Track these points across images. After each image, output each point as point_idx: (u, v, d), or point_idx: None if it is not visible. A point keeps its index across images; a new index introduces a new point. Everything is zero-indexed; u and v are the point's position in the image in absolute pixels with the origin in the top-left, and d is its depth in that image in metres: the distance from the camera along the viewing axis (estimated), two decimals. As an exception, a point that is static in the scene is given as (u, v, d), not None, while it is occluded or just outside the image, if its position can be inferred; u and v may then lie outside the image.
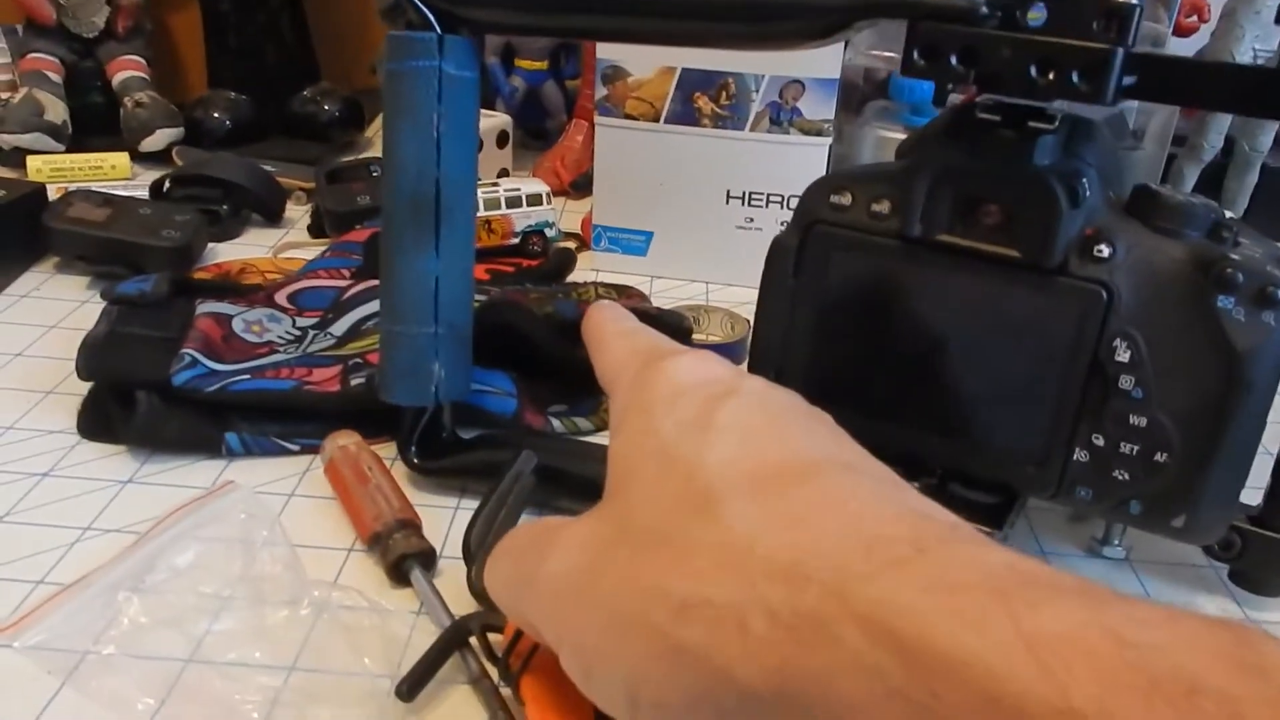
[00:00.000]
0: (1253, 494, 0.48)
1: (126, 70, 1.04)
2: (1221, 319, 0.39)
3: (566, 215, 0.92)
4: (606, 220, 0.80)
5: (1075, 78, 0.37)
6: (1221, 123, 0.87)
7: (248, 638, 0.41)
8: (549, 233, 0.81)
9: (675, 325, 0.66)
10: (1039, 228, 0.40)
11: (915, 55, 0.39)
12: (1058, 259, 0.40)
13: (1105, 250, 0.40)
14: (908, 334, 0.45)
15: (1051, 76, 0.38)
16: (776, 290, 0.47)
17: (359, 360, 0.58)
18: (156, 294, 0.61)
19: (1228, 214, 0.43)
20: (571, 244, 0.85)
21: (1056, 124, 0.41)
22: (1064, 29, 0.39)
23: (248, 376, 0.55)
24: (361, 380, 0.55)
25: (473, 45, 0.48)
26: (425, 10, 0.47)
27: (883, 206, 0.44)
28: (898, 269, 0.44)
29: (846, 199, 0.45)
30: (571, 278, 0.79)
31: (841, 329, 0.46)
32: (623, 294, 0.73)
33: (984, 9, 0.38)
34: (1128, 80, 0.42)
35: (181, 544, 0.45)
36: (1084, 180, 0.41)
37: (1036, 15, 0.40)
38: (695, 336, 0.68)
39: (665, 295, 0.77)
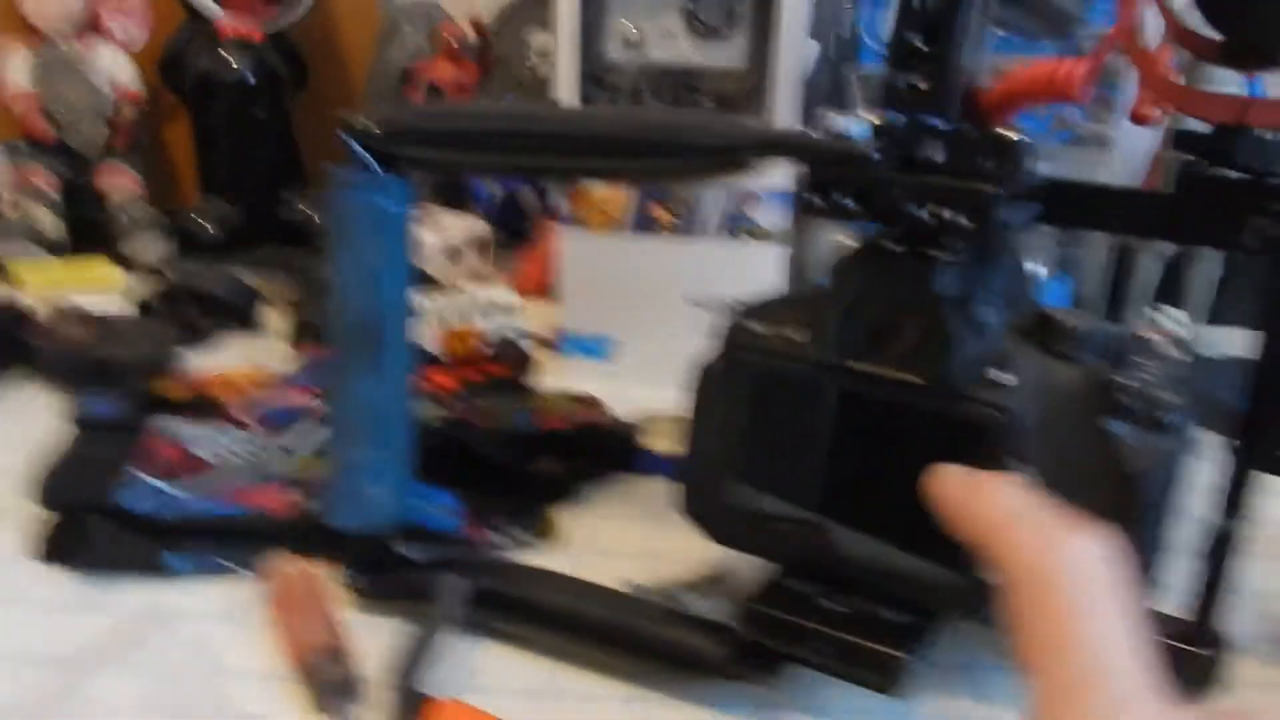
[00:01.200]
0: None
1: (120, 184, 1.07)
2: (1114, 443, 0.40)
3: (541, 318, 0.94)
4: (573, 325, 0.82)
5: (959, 217, 0.38)
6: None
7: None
8: (520, 341, 0.83)
9: (627, 435, 0.68)
10: (940, 354, 0.42)
11: (811, 195, 0.41)
12: (958, 384, 0.42)
13: (1004, 376, 0.41)
14: (826, 456, 0.46)
15: (941, 215, 0.39)
16: (703, 414, 0.48)
17: (311, 480, 0.59)
18: (123, 416, 0.63)
19: (1133, 334, 0.44)
20: (541, 348, 0.87)
21: (957, 253, 0.42)
22: (958, 166, 0.41)
23: (191, 496, 0.56)
24: (309, 502, 0.57)
25: (409, 184, 0.50)
26: (364, 153, 0.49)
27: (800, 334, 0.45)
28: (814, 393, 0.45)
29: (766, 327, 0.46)
30: (537, 384, 0.80)
31: (765, 453, 0.47)
32: (582, 402, 0.74)
33: (876, 154, 0.39)
34: (1032, 210, 0.44)
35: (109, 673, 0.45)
36: (984, 307, 0.42)
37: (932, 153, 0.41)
38: (649, 444, 0.69)
39: (629, 398, 0.78)
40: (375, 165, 0.48)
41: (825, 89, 0.84)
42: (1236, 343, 0.83)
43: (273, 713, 0.46)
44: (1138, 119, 0.93)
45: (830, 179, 0.40)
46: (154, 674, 0.47)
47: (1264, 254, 0.42)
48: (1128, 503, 0.40)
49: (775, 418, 0.46)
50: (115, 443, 0.61)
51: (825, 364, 0.44)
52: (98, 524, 0.55)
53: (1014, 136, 0.40)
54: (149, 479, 0.58)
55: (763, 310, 0.46)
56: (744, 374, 0.46)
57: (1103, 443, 0.40)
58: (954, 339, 0.41)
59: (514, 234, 1.14)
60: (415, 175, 0.50)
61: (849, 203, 0.40)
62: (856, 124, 0.40)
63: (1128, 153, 0.89)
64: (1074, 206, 0.45)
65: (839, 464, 0.45)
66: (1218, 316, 0.93)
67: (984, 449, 0.42)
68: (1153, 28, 0.47)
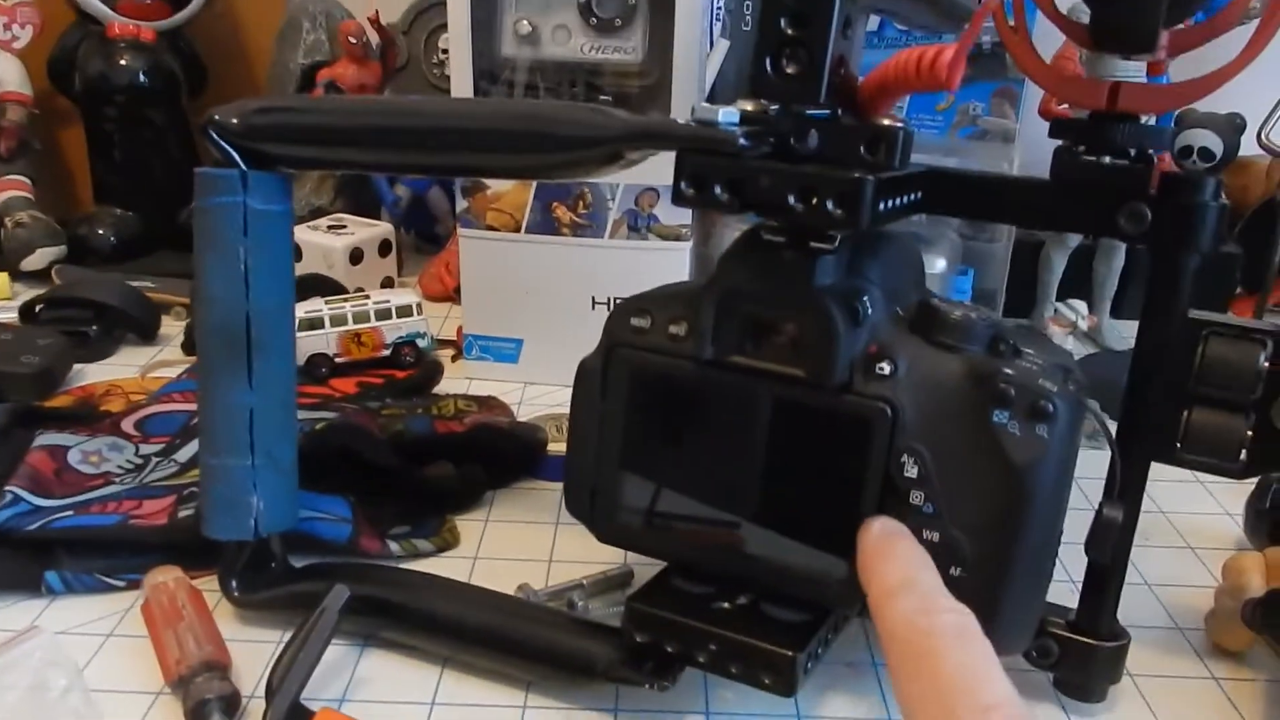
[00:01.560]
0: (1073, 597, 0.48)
1: (9, 190, 1.03)
2: (998, 433, 0.39)
3: (451, 321, 0.93)
4: (477, 329, 0.80)
5: (831, 205, 0.38)
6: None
7: (29, 798, 0.39)
8: (421, 343, 0.81)
9: (530, 439, 0.66)
10: (821, 347, 0.41)
11: (684, 185, 0.40)
12: (840, 378, 0.41)
13: (887, 368, 0.41)
14: (710, 454, 0.45)
15: (812, 203, 0.38)
16: (585, 413, 0.47)
17: (194, 489, 0.57)
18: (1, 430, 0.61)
19: (1020, 324, 0.43)
20: (448, 351, 0.85)
21: (836, 244, 0.41)
22: (834, 154, 0.40)
23: (71, 513, 0.54)
24: (190, 511, 0.55)
25: (282, 179, 0.48)
26: (228, 148, 0.47)
27: (680, 328, 0.44)
28: (695, 390, 0.44)
29: (646, 321, 0.45)
30: (442, 387, 0.79)
31: (648, 450, 0.46)
32: (484, 405, 0.72)
33: (743, 140, 0.39)
34: (909, 198, 0.44)
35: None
36: (865, 298, 0.42)
37: (808, 142, 0.41)
38: (554, 447, 0.67)
39: (537, 403, 0.77)
40: (240, 162, 0.46)
41: (735, 84, 0.83)
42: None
43: (144, 734, 0.44)
44: (1046, 115, 0.94)
45: (703, 168, 0.39)
46: (22, 694, 0.45)
47: (1140, 241, 0.41)
48: (1016, 494, 0.39)
49: (656, 414, 0.45)
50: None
51: (704, 359, 0.43)
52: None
53: (888, 123, 0.39)
54: (28, 496, 0.55)
55: (644, 304, 0.45)
56: (622, 370, 0.45)
57: (988, 434, 0.40)
58: (835, 331, 0.40)
59: (423, 238, 1.12)
60: (291, 173, 0.49)
61: (721, 192, 0.39)
62: (726, 112, 0.39)
63: (1033, 146, 0.90)
64: (953, 195, 0.45)
65: (723, 460, 0.44)
66: (1122, 309, 0.94)
67: (867, 442, 0.41)
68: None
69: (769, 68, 0.39)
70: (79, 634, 0.50)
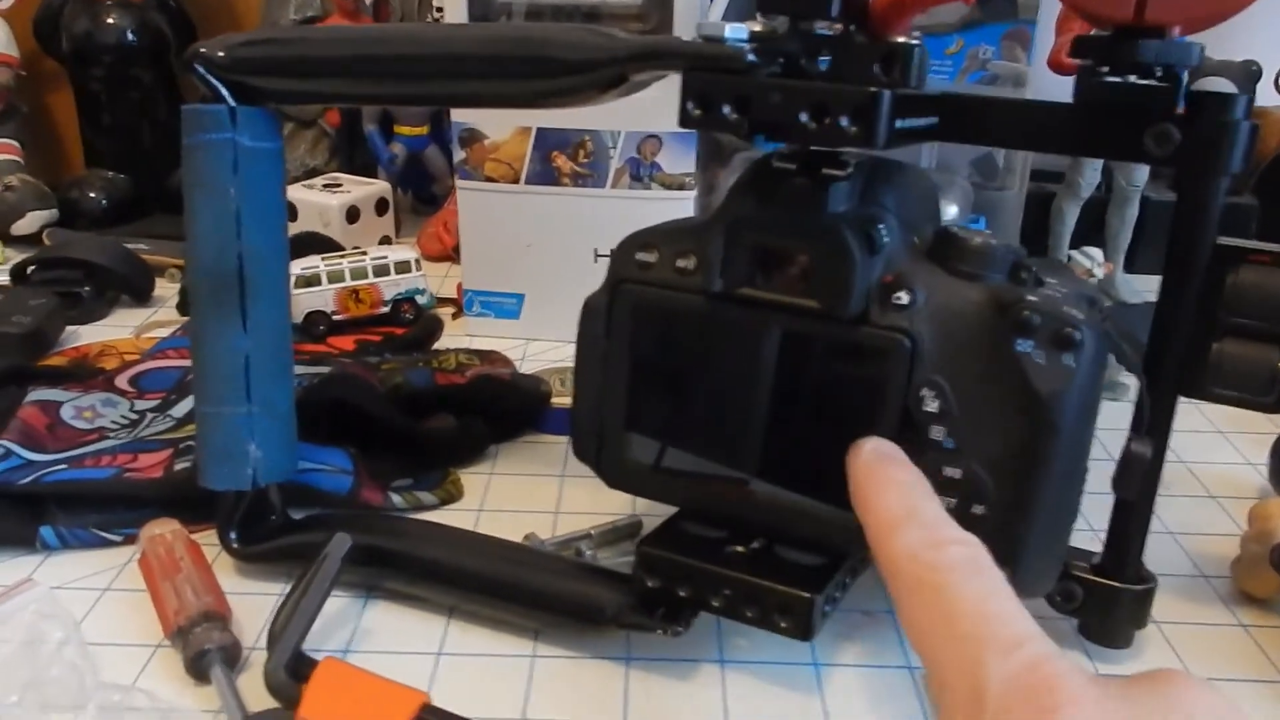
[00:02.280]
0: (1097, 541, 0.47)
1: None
2: (1022, 363, 0.38)
3: (450, 280, 0.91)
4: (477, 284, 0.79)
5: (845, 122, 0.36)
6: (1096, 159, 0.88)
7: (24, 750, 0.38)
8: (420, 299, 0.80)
9: (533, 391, 0.65)
10: (835, 277, 0.39)
11: (690, 106, 0.38)
12: (856, 308, 0.39)
13: (905, 297, 0.39)
14: (720, 391, 0.43)
15: (825, 121, 0.37)
16: (590, 352, 0.45)
17: (190, 443, 0.56)
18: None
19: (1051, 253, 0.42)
20: (448, 309, 0.84)
21: (850, 170, 0.40)
22: (846, 74, 0.38)
23: (64, 466, 0.53)
24: (186, 464, 0.53)
25: (271, 116, 0.47)
26: (215, 82, 0.45)
27: (688, 262, 0.42)
28: (704, 325, 0.42)
29: (652, 256, 0.43)
30: (442, 343, 0.77)
31: (656, 389, 0.44)
32: (485, 359, 0.71)
33: (751, 56, 0.37)
34: (925, 122, 0.42)
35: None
36: (880, 226, 0.40)
37: (818, 61, 0.39)
38: (558, 400, 0.66)
39: (539, 358, 0.76)
40: (228, 97, 0.45)
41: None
42: (1154, 290, 0.82)
43: (143, 682, 0.42)
44: (1056, 67, 0.92)
45: (710, 86, 0.37)
46: (17, 649, 0.44)
47: (1168, 164, 0.40)
48: (1041, 426, 0.38)
49: (663, 351, 0.44)
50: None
51: (713, 292, 0.41)
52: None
53: (902, 40, 0.38)
54: (21, 450, 0.54)
55: (650, 238, 0.43)
56: (627, 306, 0.43)
57: (1011, 364, 0.38)
58: (850, 260, 0.39)
59: (420, 199, 1.10)
60: (280, 109, 0.47)
61: (730, 112, 0.37)
62: (733, 28, 0.37)
63: (1045, 91, 0.88)
64: (971, 120, 0.43)
65: (734, 397, 0.43)
66: (1135, 263, 0.92)
67: (884, 376, 0.39)
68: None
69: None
70: (75, 589, 0.49)
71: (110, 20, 1.01)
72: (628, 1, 0.70)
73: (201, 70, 0.44)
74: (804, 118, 0.36)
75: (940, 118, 0.42)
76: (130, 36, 1.01)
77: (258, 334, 0.47)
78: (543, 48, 0.40)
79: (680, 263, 0.42)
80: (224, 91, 0.45)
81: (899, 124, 0.37)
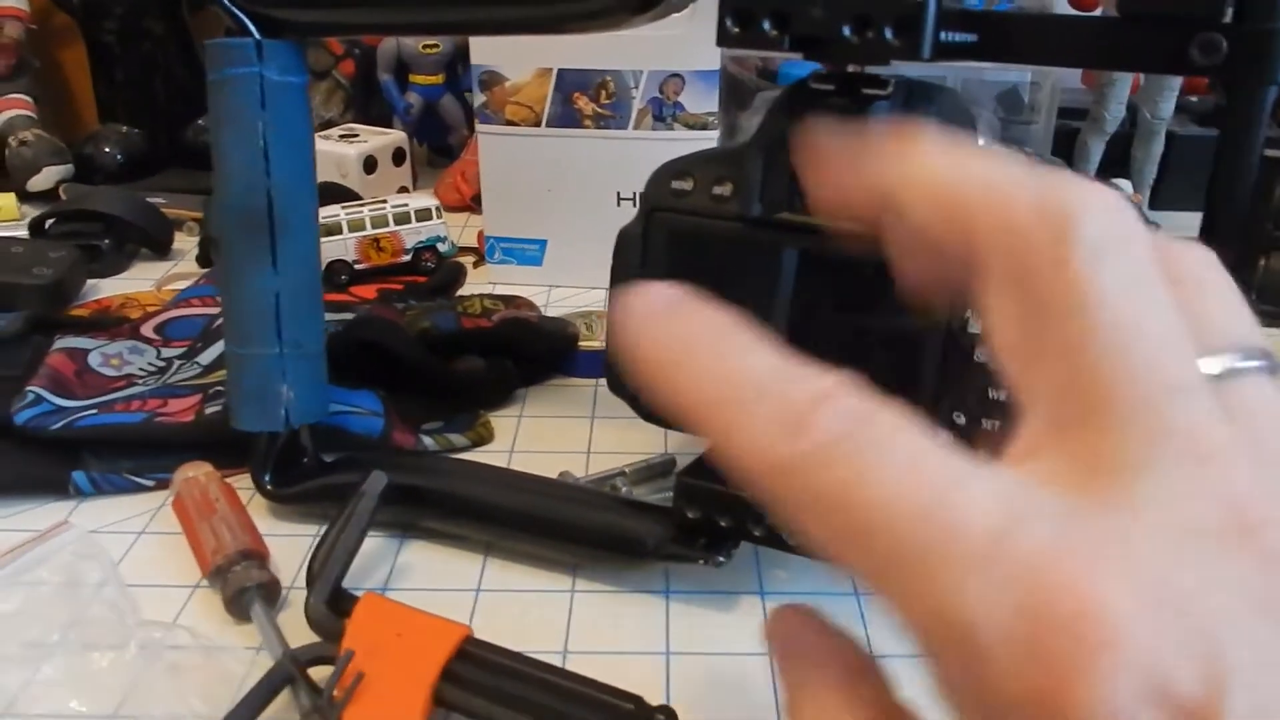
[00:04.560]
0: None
1: (11, 109, 1.00)
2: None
3: (469, 230, 0.90)
4: (499, 231, 0.78)
5: (889, 34, 0.35)
6: (1121, 92, 0.86)
7: (68, 687, 0.38)
8: (441, 247, 0.79)
9: (560, 333, 0.64)
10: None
11: (729, 23, 0.37)
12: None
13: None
14: (758, 319, 0.43)
15: (868, 35, 0.36)
16: (625, 282, 0.44)
17: (220, 388, 0.55)
18: (8, 331, 0.59)
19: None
20: (469, 258, 0.83)
21: (890, 89, 0.39)
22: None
23: (95, 411, 0.52)
24: (217, 408, 0.53)
25: (297, 49, 0.46)
26: (241, 14, 0.44)
27: (724, 189, 0.42)
28: (741, 251, 0.42)
29: (688, 184, 0.43)
30: (465, 290, 0.77)
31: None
32: (510, 304, 0.70)
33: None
34: (966, 37, 0.41)
35: (4, 591, 0.42)
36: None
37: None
38: (585, 344, 0.66)
39: (564, 304, 0.75)
40: (255, 30, 0.44)
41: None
42: (1181, 227, 0.81)
43: (190, 623, 0.42)
44: (1079, 4, 0.90)
45: (745, 3, 0.37)
46: (56, 588, 0.44)
47: (1213, 72, 0.39)
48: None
49: (700, 280, 0.43)
50: (13, 362, 0.57)
51: (751, 217, 0.41)
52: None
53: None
54: (50, 396, 0.53)
55: (686, 166, 0.43)
56: (663, 234, 0.43)
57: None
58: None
59: (435, 150, 1.09)
60: (306, 43, 0.46)
61: (769, 28, 0.36)
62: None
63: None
64: (1010, 37, 0.42)
65: (772, 325, 0.42)
66: (1161, 197, 0.91)
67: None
68: None
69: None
70: (110, 533, 0.49)
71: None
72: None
73: (228, 2, 0.44)
74: (846, 31, 0.36)
75: (980, 35, 0.42)
76: (141, -12, 1.00)
77: (288, 272, 0.46)
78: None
79: (717, 190, 0.42)
80: (250, 25, 0.44)
81: (943, 36, 0.36)
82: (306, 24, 0.45)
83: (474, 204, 0.95)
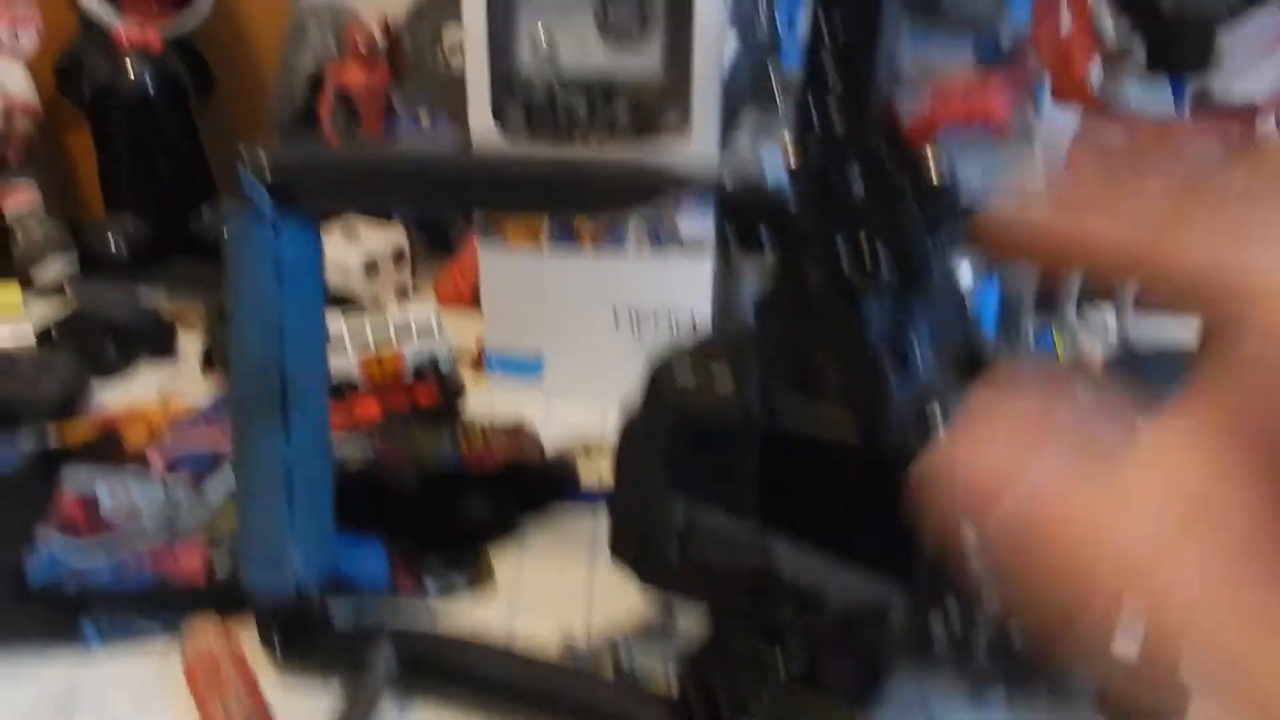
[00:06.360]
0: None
1: (18, 199, 1.02)
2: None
3: (466, 328, 0.91)
4: (498, 343, 0.80)
5: (886, 273, 0.37)
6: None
7: None
8: (443, 368, 0.80)
9: (561, 474, 0.66)
10: (872, 400, 0.40)
11: (727, 233, 0.39)
12: (892, 432, 0.40)
13: (939, 416, 0.40)
14: (760, 503, 0.44)
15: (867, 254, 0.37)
16: (632, 470, 0.46)
17: (225, 534, 0.56)
18: (27, 468, 0.60)
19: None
20: (467, 362, 0.84)
21: (885, 289, 0.40)
22: (880, 194, 0.39)
23: (106, 566, 0.54)
24: (224, 561, 0.54)
25: (312, 223, 0.47)
26: (261, 192, 0.46)
27: (723, 384, 0.43)
28: (742, 443, 0.43)
29: (690, 380, 0.44)
30: (466, 393, 0.78)
31: (695, 509, 0.45)
32: (512, 436, 0.71)
33: (792, 201, 0.38)
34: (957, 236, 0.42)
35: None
36: (917, 343, 0.40)
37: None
38: (585, 475, 0.67)
39: (563, 422, 0.76)
40: (270, 206, 0.45)
41: (746, 85, 0.82)
42: (1167, 330, 0.82)
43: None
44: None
45: (746, 219, 0.38)
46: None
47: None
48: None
49: (703, 468, 0.44)
50: (22, 502, 0.58)
51: (752, 419, 0.42)
52: (9, 597, 0.52)
53: (933, 166, 0.38)
54: (59, 544, 0.55)
55: (685, 356, 0.44)
56: (666, 428, 0.44)
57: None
58: (885, 382, 0.39)
59: (435, 244, 1.10)
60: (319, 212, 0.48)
61: (765, 236, 0.38)
62: (770, 156, 0.38)
63: (1048, 143, 0.88)
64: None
65: (774, 510, 0.44)
66: (1146, 303, 0.92)
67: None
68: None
69: (813, 125, 0.38)
70: (114, 690, 0.50)
71: (131, 69, 1.01)
72: (645, 72, 0.70)
73: (249, 178, 0.45)
74: (845, 250, 0.37)
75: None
76: (150, 85, 1.02)
77: (299, 442, 0.48)
78: (589, 179, 0.40)
79: (717, 385, 0.43)
80: (266, 201, 0.45)
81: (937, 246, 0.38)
82: (324, 205, 0.47)
83: (473, 300, 0.97)
